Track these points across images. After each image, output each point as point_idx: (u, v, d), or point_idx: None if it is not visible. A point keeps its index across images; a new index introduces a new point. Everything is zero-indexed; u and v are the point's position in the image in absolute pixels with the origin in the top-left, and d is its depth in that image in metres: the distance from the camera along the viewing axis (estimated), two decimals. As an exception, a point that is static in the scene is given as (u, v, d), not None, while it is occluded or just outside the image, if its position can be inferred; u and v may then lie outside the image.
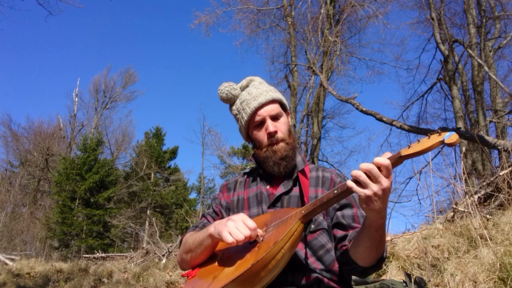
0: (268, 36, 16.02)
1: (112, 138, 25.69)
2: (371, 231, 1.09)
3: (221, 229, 1.13)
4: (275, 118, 1.39)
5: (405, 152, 0.99)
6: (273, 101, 1.40)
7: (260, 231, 1.15)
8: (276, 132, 1.37)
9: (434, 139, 0.97)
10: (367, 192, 1.00)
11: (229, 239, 1.09)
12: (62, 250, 18.51)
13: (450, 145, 0.95)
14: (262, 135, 1.39)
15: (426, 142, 0.98)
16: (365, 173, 1.00)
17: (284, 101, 1.46)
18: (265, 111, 1.38)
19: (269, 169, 1.39)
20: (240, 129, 1.48)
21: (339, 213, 1.32)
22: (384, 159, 0.99)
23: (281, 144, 1.37)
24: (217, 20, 15.27)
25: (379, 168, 0.99)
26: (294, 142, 1.42)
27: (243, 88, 1.48)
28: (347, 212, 1.32)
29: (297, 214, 1.13)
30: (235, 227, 1.11)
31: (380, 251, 1.15)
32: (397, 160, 1.00)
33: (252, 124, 1.41)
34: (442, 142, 0.96)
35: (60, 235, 18.79)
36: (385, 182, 0.99)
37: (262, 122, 1.39)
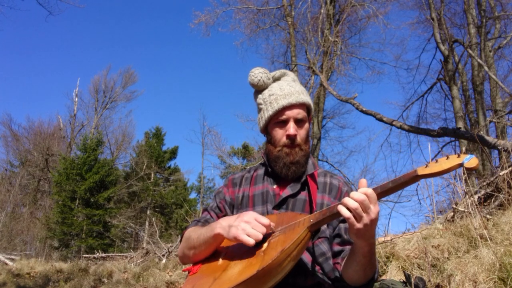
0: (268, 36, 16.02)
1: (112, 138, 25.72)
2: (358, 256, 1.09)
3: (236, 232, 1.11)
4: (299, 122, 1.37)
5: (422, 171, 0.96)
6: (302, 105, 1.37)
7: (273, 224, 1.14)
8: (296, 136, 1.35)
9: (453, 160, 0.93)
10: (359, 225, 1.00)
11: (249, 241, 1.08)
12: (62, 250, 18.50)
13: (469, 169, 0.92)
14: (281, 134, 1.37)
15: (444, 163, 0.94)
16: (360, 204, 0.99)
17: (312, 106, 1.43)
18: (291, 113, 1.35)
19: (278, 169, 1.37)
20: (259, 119, 1.44)
21: (342, 225, 1.31)
22: (369, 189, 0.99)
23: (296, 149, 1.35)
24: (217, 20, 15.27)
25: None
26: (308, 149, 1.40)
27: (274, 80, 1.45)
28: None
29: (305, 222, 1.11)
30: (252, 228, 1.10)
31: (369, 274, 1.15)
32: (412, 179, 0.97)
33: (274, 120, 1.38)
34: (461, 165, 0.92)
35: (60, 235, 18.79)
36: (373, 213, 1.00)
37: (285, 122, 1.36)
